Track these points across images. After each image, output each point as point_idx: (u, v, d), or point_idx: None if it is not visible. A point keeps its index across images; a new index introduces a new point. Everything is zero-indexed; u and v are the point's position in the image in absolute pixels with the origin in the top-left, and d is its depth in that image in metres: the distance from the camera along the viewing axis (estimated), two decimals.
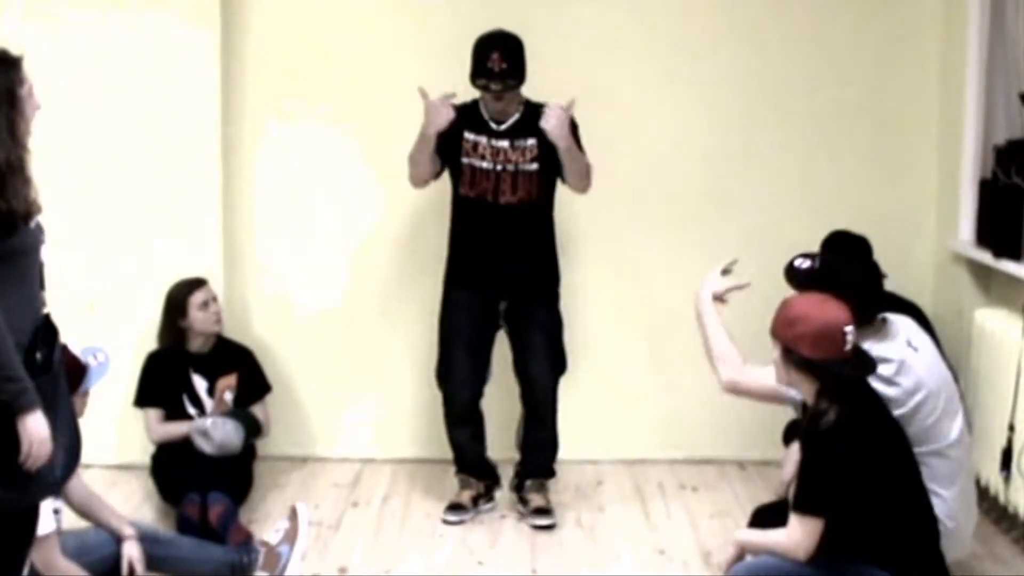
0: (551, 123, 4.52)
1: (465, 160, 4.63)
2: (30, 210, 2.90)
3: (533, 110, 4.63)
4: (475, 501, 4.80)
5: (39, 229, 3.00)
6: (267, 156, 5.36)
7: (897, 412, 3.59)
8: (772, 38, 5.30)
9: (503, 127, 4.63)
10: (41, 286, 3.03)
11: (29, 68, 2.94)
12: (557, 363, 4.80)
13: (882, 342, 3.72)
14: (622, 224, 5.34)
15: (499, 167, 4.61)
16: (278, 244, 5.41)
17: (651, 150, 5.33)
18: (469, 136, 4.63)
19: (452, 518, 4.71)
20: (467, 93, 4.67)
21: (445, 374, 4.78)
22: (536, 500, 4.78)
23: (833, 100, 5.32)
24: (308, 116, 5.34)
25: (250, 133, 5.32)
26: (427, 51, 5.21)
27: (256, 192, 5.37)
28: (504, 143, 4.62)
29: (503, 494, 4.88)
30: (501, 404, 4.92)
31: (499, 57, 4.51)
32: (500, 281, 4.68)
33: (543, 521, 4.69)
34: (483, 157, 4.62)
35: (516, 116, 4.64)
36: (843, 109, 5.32)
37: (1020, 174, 4.38)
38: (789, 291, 3.73)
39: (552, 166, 4.63)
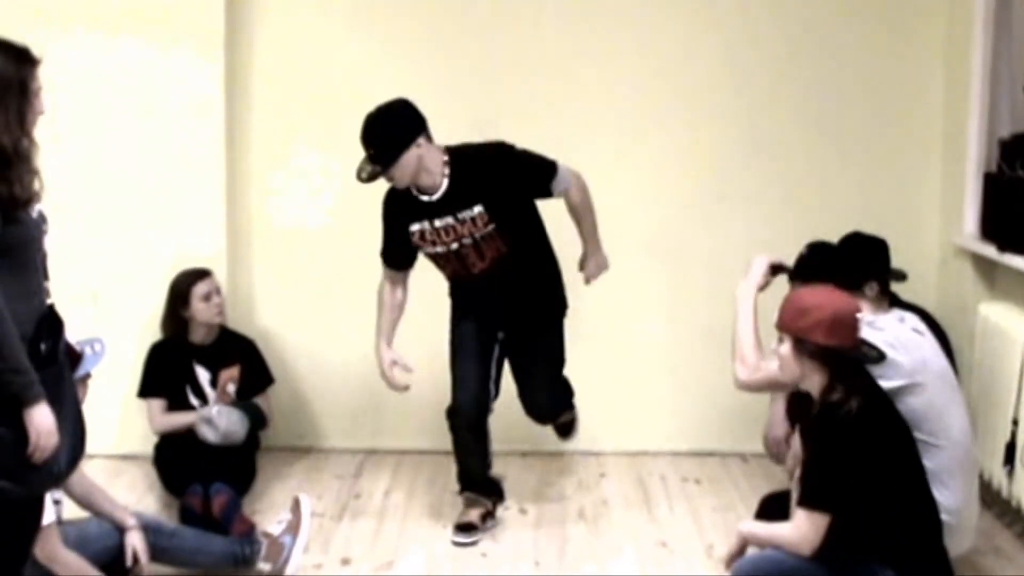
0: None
1: (421, 252, 4.35)
2: (31, 198, 2.93)
3: (464, 166, 4.19)
4: (483, 519, 4.58)
5: (42, 219, 3.02)
6: (271, 146, 5.36)
7: (898, 383, 3.63)
8: (775, 34, 5.29)
9: (435, 198, 4.20)
10: (45, 276, 3.04)
11: (44, 74, 3.02)
12: (561, 392, 4.67)
13: (885, 316, 3.85)
14: (626, 220, 5.33)
15: (455, 246, 4.25)
16: (281, 235, 5.41)
17: (651, 149, 5.34)
18: (413, 228, 4.26)
19: (464, 540, 4.47)
20: (465, 128, 4.49)
21: (452, 386, 4.51)
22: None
23: (837, 95, 5.31)
24: (313, 110, 5.35)
25: (255, 124, 5.32)
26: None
27: (260, 183, 5.37)
28: (448, 219, 4.21)
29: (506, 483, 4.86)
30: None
31: (365, 143, 4.12)
32: (499, 314, 4.45)
33: (564, 437, 4.83)
34: (434, 243, 4.26)
35: (444, 185, 4.19)
36: (847, 104, 5.32)
37: None
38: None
39: (513, 213, 4.26)
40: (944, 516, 3.58)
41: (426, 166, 4.16)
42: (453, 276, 4.43)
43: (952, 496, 3.70)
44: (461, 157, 4.22)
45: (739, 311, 3.86)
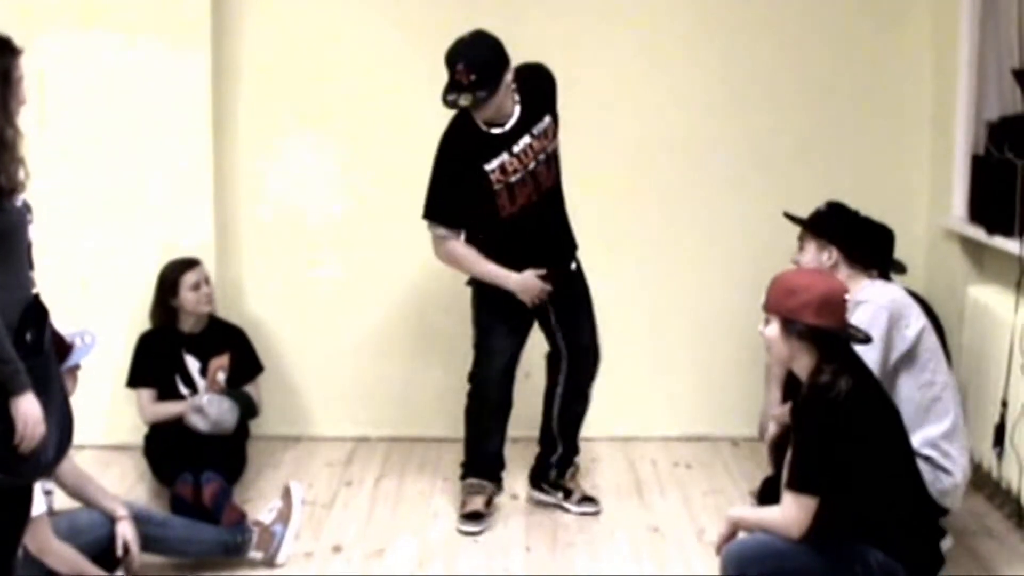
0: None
1: (498, 187, 4.24)
2: (15, 187, 2.94)
3: (528, 82, 4.25)
4: (487, 506, 4.53)
5: (26, 208, 3.02)
6: (259, 134, 5.34)
7: (919, 325, 3.84)
8: (764, 17, 5.28)
9: (510, 126, 4.23)
10: (30, 266, 3.03)
11: (25, 63, 3.03)
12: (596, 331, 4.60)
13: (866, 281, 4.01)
14: (617, 206, 5.34)
15: (532, 165, 4.26)
16: (270, 224, 5.39)
17: (643, 133, 5.33)
18: (491, 165, 4.23)
19: (473, 528, 4.43)
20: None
21: (480, 353, 4.46)
22: (580, 486, 4.70)
23: (826, 77, 5.31)
24: (300, 97, 5.33)
25: (242, 112, 5.30)
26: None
27: (248, 172, 5.35)
28: (525, 140, 4.25)
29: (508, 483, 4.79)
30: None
31: (464, 69, 4.06)
32: (559, 249, 4.46)
33: (595, 507, 4.65)
34: (515, 171, 4.24)
35: (518, 110, 4.24)
36: (836, 87, 5.31)
37: (1013, 150, 4.37)
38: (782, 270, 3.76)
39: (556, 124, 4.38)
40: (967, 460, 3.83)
41: (511, 93, 4.22)
42: (522, 207, 4.28)
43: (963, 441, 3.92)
44: (521, 76, 4.25)
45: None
